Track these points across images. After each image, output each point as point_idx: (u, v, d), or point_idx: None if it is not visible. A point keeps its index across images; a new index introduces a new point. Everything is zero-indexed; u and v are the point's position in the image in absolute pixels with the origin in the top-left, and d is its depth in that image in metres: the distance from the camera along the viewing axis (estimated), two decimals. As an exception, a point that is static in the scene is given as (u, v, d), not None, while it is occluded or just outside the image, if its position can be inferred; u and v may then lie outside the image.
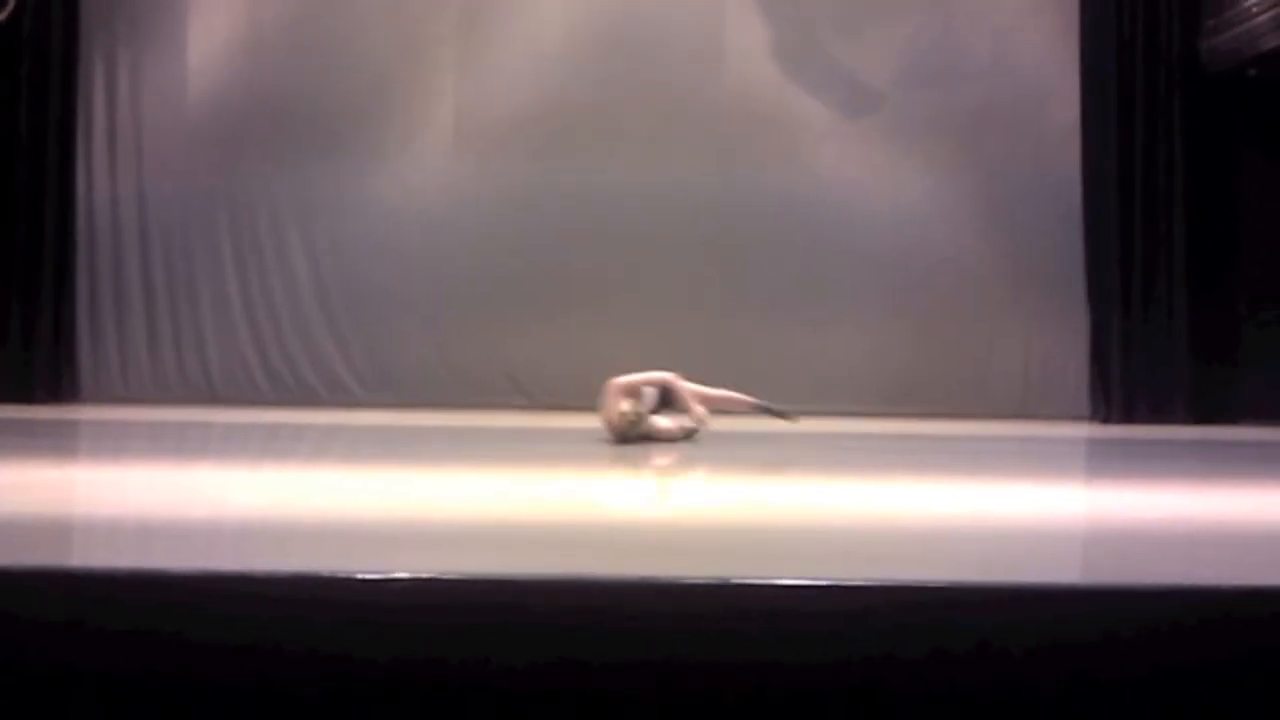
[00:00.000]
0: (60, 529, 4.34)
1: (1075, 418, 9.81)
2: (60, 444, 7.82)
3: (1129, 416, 9.63)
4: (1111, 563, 4.16)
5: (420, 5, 10.42)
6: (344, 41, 10.36)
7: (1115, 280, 9.77)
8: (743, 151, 10.22)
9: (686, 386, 7.46)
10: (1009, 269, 10.15)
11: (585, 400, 7.70)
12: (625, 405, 7.14)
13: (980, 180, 10.20)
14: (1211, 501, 5.50)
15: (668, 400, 7.41)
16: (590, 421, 7.40)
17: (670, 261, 10.21)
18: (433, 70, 10.39)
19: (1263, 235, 9.77)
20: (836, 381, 9.90)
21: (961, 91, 10.13)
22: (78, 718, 3.12)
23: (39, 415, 9.21)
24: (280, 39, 10.40)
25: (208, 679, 3.11)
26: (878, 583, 3.27)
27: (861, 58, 10.25)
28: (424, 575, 3.23)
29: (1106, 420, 9.70)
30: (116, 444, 7.97)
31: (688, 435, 7.44)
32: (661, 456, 6.93)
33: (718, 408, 7.64)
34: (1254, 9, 8.87)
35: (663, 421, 7.39)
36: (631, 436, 7.18)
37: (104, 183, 10.39)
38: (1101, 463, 7.95)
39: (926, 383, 10.05)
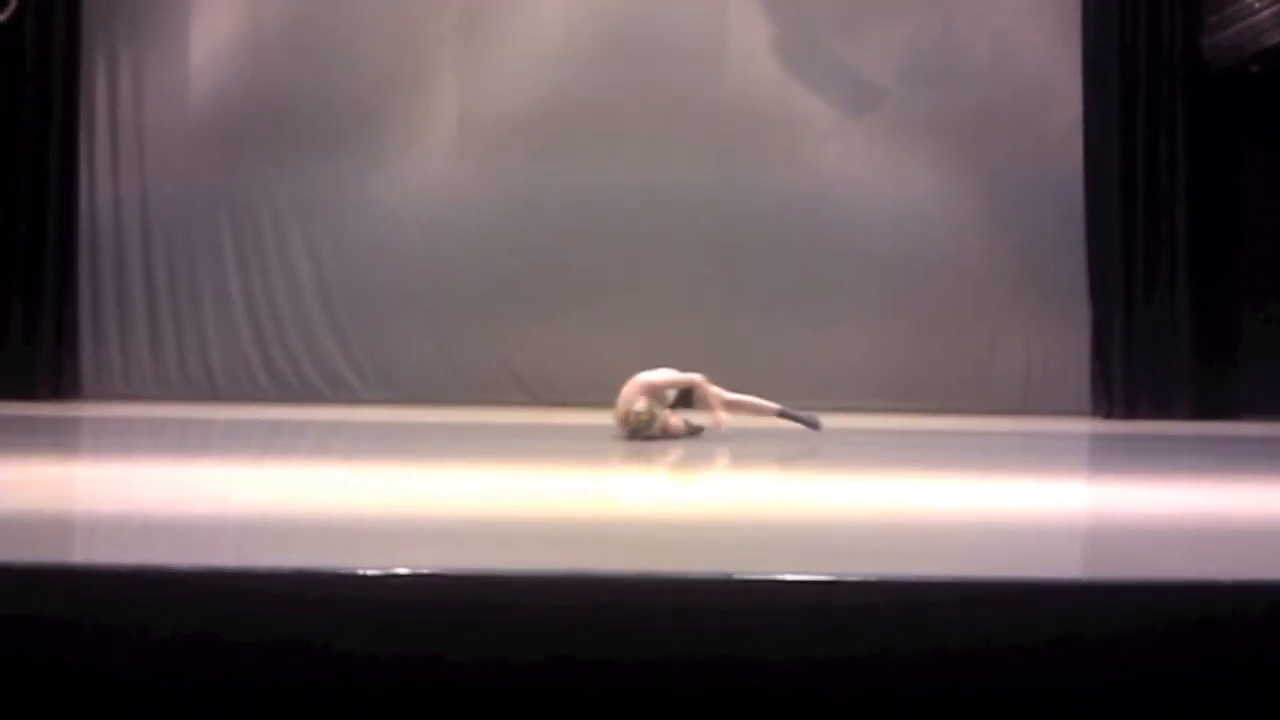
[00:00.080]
0: (62, 526, 4.35)
1: (1077, 414, 9.80)
2: (62, 440, 7.81)
3: (1131, 413, 9.63)
4: (1114, 558, 4.16)
5: (420, 5, 10.43)
6: (345, 41, 10.37)
7: (1117, 278, 9.76)
8: (743, 151, 10.21)
9: (713, 391, 7.44)
10: (1011, 267, 10.14)
11: (586, 397, 7.69)
12: (641, 404, 7.13)
13: (982, 179, 10.19)
14: (1213, 497, 5.50)
15: (689, 401, 7.39)
16: (592, 418, 7.40)
17: (671, 261, 10.20)
18: (433, 70, 10.40)
19: (1264, 232, 9.77)
20: (838, 381, 9.88)
21: (963, 90, 10.13)
22: (80, 714, 3.12)
23: (41, 412, 9.20)
24: (282, 39, 10.41)
25: (209, 675, 3.11)
26: (881, 578, 3.27)
27: (863, 57, 10.25)
28: (425, 571, 3.23)
29: (1109, 417, 9.69)
30: (118, 440, 7.96)
31: (694, 433, 7.44)
32: (664, 453, 6.93)
33: (743, 414, 7.63)
34: (1256, 5, 8.84)
35: (671, 419, 7.38)
36: (641, 434, 7.18)
37: (106, 182, 10.41)
38: (1104, 458, 7.94)
39: (928, 381, 10.04)
